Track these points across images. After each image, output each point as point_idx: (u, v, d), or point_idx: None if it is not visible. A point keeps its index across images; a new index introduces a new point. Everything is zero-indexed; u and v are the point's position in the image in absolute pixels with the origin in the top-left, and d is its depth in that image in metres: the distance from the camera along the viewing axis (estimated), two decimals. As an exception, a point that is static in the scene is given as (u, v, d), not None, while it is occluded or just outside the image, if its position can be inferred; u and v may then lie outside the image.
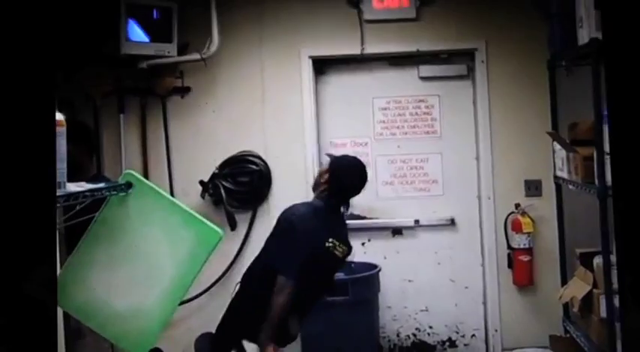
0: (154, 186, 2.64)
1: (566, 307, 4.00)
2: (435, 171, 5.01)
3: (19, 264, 1.34)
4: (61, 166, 2.17)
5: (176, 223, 2.60)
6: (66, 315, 2.74)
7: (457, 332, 5.00)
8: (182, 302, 4.64)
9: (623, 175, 1.49)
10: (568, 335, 3.85)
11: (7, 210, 1.32)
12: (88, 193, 2.35)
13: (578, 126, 3.64)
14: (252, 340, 3.49)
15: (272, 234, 3.57)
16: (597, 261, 3.22)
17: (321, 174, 3.64)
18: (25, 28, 1.37)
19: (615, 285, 2.94)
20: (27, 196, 1.35)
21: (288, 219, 3.48)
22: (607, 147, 3.05)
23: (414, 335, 5.03)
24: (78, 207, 2.57)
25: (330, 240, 3.51)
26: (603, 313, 3.08)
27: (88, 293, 2.56)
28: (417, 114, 5.00)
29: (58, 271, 2.48)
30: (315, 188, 3.65)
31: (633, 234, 1.44)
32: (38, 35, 1.39)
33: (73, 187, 2.22)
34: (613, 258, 3.01)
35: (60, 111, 4.69)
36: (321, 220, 3.49)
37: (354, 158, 3.72)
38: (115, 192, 2.55)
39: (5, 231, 1.32)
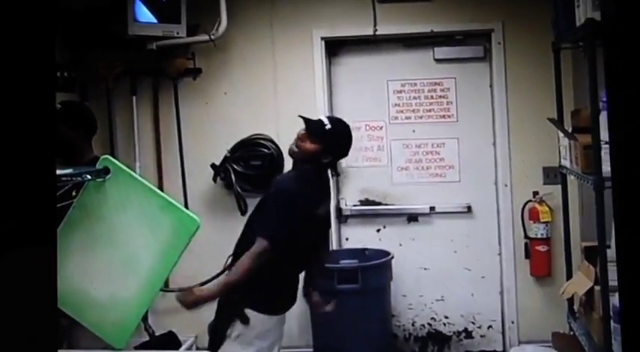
0: (131, 172, 2.58)
1: (571, 303, 3.83)
2: (451, 157, 4.85)
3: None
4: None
5: (153, 210, 2.54)
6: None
7: (473, 323, 4.87)
8: (193, 287, 4.72)
9: (624, 166, 1.36)
10: (572, 333, 3.67)
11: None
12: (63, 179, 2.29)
13: (580, 112, 3.43)
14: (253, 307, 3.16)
15: (257, 207, 3.29)
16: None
17: (305, 143, 3.20)
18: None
19: (612, 282, 2.77)
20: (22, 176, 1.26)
21: (278, 186, 3.21)
22: (604, 136, 2.86)
23: (430, 324, 4.92)
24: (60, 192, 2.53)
25: (322, 204, 3.33)
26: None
27: (65, 279, 2.51)
28: (432, 97, 4.84)
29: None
30: (298, 156, 3.24)
31: (634, 229, 1.32)
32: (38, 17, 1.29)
33: (37, 173, 2.15)
34: (611, 253, 2.84)
35: (72, 93, 4.73)
36: (313, 185, 3.25)
37: (344, 123, 3.35)
38: (90, 178, 2.50)
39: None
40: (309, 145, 3.20)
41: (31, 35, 1.23)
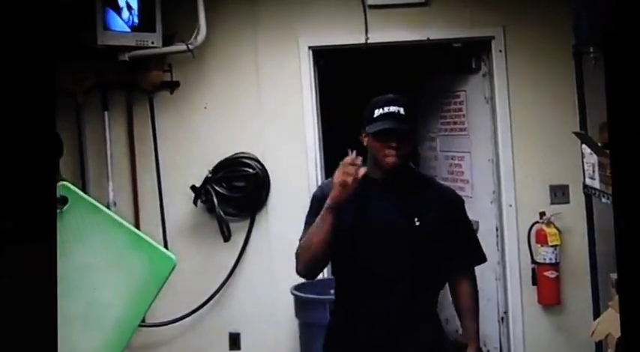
0: (93, 201, 2.18)
1: (600, 345, 3.48)
2: (467, 171, 4.78)
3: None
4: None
5: (121, 247, 2.15)
6: None
7: (484, 345, 4.53)
8: (172, 321, 4.34)
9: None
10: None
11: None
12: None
13: (609, 126, 3.10)
14: None
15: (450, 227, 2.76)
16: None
17: (406, 145, 2.62)
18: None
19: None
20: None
21: (461, 201, 2.84)
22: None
23: (456, 331, 4.63)
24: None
25: None
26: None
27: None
28: (452, 110, 4.86)
29: None
30: (407, 162, 2.74)
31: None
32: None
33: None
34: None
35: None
36: None
37: (400, 96, 2.74)
38: (45, 210, 2.11)
39: None
40: (409, 144, 2.69)
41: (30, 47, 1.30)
